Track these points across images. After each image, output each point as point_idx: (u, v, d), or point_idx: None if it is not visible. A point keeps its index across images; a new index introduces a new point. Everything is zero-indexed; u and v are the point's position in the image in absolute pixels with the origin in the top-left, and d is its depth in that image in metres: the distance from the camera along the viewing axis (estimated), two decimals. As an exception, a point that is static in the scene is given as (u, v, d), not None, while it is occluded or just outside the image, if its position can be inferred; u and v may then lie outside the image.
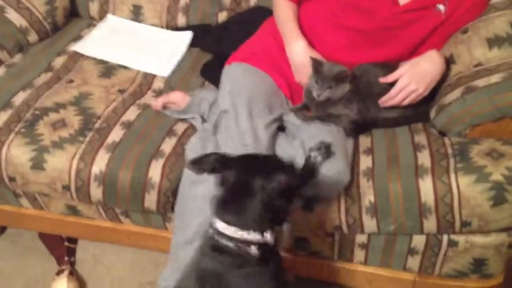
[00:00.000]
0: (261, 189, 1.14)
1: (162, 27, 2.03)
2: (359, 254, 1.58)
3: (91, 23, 2.06)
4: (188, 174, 1.46)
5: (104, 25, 2.02)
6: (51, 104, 1.67)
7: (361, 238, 1.53)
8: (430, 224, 1.42)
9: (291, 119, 1.56)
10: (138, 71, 1.85)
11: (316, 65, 1.51)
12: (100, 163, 1.53)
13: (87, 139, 1.57)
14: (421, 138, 1.52)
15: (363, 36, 1.60)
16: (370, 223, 1.45)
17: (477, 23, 1.56)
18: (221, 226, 1.17)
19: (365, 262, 1.60)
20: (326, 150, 1.41)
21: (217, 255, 1.17)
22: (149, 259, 1.86)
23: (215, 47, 1.91)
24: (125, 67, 1.86)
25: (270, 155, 1.25)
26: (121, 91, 1.75)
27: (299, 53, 1.59)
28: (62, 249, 1.88)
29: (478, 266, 1.51)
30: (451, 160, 1.42)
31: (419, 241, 1.50)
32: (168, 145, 1.56)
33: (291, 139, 1.53)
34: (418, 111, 1.57)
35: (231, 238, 1.15)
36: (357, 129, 1.56)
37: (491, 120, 1.45)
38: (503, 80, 1.44)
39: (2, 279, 1.85)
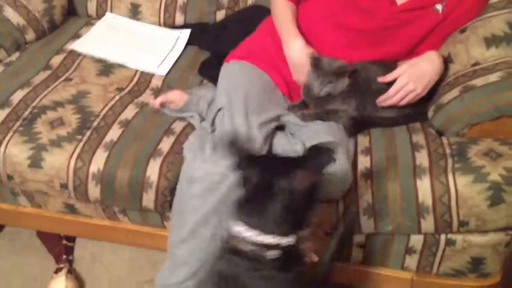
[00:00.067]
0: (283, 192, 1.11)
1: (160, 25, 2.03)
2: (357, 254, 1.58)
3: (89, 21, 2.05)
4: (186, 173, 1.46)
5: (102, 23, 2.02)
6: (49, 102, 1.67)
7: (359, 238, 1.53)
8: (428, 224, 1.42)
9: (291, 119, 1.56)
10: (136, 70, 1.84)
11: (315, 61, 1.51)
12: (98, 162, 1.53)
13: (85, 137, 1.57)
14: (419, 138, 1.52)
15: (362, 36, 1.60)
16: (368, 223, 1.45)
17: (474, 22, 1.56)
18: (240, 229, 1.14)
19: (363, 262, 1.60)
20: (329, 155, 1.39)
21: (236, 258, 1.14)
22: (147, 258, 1.86)
23: (213, 45, 1.91)
24: (123, 66, 1.85)
25: (292, 156, 1.22)
26: (119, 90, 1.75)
27: (297, 52, 1.59)
28: (60, 247, 1.88)
29: (476, 265, 1.51)
30: (449, 160, 1.42)
31: (417, 240, 1.50)
32: (166, 144, 1.56)
33: (290, 138, 1.53)
34: (416, 110, 1.57)
35: (251, 242, 1.12)
36: (356, 125, 1.56)
37: (489, 119, 1.45)
38: (501, 79, 1.44)
39: (0, 277, 1.85)
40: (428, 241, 1.49)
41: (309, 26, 1.64)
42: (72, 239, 1.90)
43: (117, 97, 1.71)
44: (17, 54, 1.89)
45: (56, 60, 1.86)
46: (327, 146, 1.36)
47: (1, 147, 1.56)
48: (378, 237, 1.52)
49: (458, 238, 1.47)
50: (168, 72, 1.85)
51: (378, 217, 1.44)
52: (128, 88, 1.77)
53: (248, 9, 1.98)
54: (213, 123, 1.55)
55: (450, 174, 1.39)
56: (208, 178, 1.41)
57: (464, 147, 1.44)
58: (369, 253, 1.57)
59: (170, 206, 1.54)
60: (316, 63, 1.51)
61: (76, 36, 1.97)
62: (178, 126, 1.63)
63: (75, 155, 1.53)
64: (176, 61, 1.89)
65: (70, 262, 1.85)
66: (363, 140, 1.55)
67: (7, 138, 1.57)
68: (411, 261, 1.55)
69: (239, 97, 1.52)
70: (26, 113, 1.63)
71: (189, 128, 1.63)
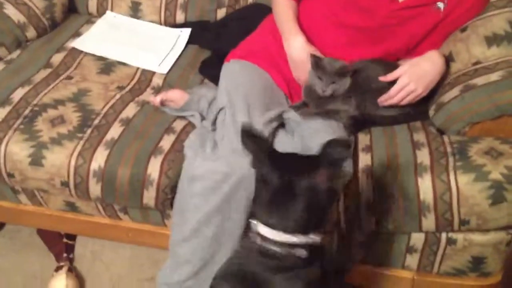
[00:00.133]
0: (304, 191, 1.10)
1: (160, 23, 2.03)
2: (357, 253, 1.58)
3: (90, 19, 2.05)
4: (187, 171, 1.46)
5: (103, 21, 2.02)
6: (49, 100, 1.67)
7: (359, 237, 1.53)
8: (429, 222, 1.42)
9: (292, 116, 1.55)
10: (137, 68, 1.84)
11: (316, 60, 1.51)
12: (99, 160, 1.53)
13: (86, 135, 1.57)
14: (420, 136, 1.52)
15: (362, 34, 1.60)
16: (369, 221, 1.45)
17: (475, 21, 1.56)
18: (264, 230, 1.14)
19: (364, 260, 1.60)
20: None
21: (262, 258, 1.14)
22: (148, 256, 1.86)
23: (213, 44, 1.91)
24: (124, 64, 1.85)
25: (313, 155, 1.20)
26: (120, 88, 1.75)
27: (298, 49, 1.59)
28: (60, 245, 1.88)
29: (477, 264, 1.51)
30: (450, 159, 1.42)
31: (418, 239, 1.50)
32: (167, 142, 1.56)
33: (291, 135, 1.53)
34: (417, 110, 1.57)
35: (275, 242, 1.13)
36: (356, 124, 1.56)
37: (490, 118, 1.45)
38: (502, 78, 1.44)
39: (0, 275, 1.85)
40: (429, 240, 1.49)
41: (309, 25, 1.64)
42: (72, 237, 1.90)
43: (118, 96, 1.71)
44: (17, 51, 1.89)
45: (57, 58, 1.86)
46: (342, 141, 1.35)
47: (2, 145, 1.56)
48: (379, 236, 1.52)
49: (459, 237, 1.47)
50: (169, 71, 1.84)
51: (379, 215, 1.43)
52: (129, 87, 1.77)
53: (249, 7, 1.98)
54: (214, 122, 1.55)
55: (451, 173, 1.39)
56: (210, 177, 1.40)
57: (465, 146, 1.44)
58: (369, 252, 1.57)
59: (171, 204, 1.54)
60: (317, 63, 1.51)
61: (77, 34, 1.97)
62: (178, 125, 1.63)
63: (76, 153, 1.53)
64: (177, 59, 1.89)
65: (71, 260, 1.85)
66: (364, 138, 1.55)
67: (7, 136, 1.57)
68: (412, 260, 1.55)
69: (240, 97, 1.52)
70: (27, 111, 1.63)
71: (190, 126, 1.63)
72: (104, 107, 1.66)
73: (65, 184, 1.55)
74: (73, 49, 1.90)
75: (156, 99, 1.67)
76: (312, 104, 1.56)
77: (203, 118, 1.63)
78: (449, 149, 1.45)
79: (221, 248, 1.47)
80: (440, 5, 1.55)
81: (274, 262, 1.13)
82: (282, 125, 1.57)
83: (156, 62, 1.86)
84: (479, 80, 1.47)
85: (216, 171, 1.40)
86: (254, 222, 1.16)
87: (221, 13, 2.00)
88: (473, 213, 1.39)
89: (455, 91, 1.49)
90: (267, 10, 1.79)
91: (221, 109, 1.53)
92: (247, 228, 1.19)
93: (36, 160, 1.54)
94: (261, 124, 1.47)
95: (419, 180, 1.40)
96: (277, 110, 1.54)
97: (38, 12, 1.93)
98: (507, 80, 1.44)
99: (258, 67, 1.64)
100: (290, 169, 1.13)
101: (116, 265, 1.86)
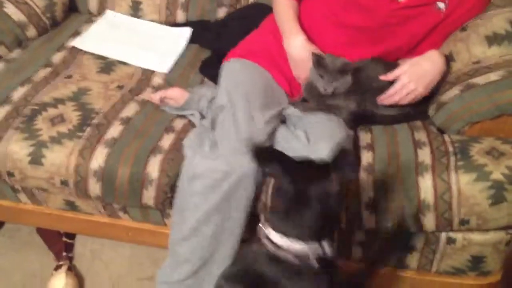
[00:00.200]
0: (318, 199, 1.12)
1: (161, 23, 2.03)
2: (357, 251, 1.58)
3: (90, 18, 2.06)
4: (187, 170, 1.45)
5: (103, 20, 2.02)
6: (49, 99, 1.67)
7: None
8: (429, 221, 1.42)
9: (292, 112, 1.55)
10: (137, 67, 1.84)
11: (318, 59, 1.51)
12: (98, 159, 1.52)
13: (86, 134, 1.57)
14: (421, 135, 1.52)
15: (362, 34, 1.60)
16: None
17: (476, 20, 1.56)
18: (276, 237, 1.15)
19: (363, 259, 1.60)
20: None
21: (274, 264, 1.16)
22: (147, 255, 1.86)
23: (214, 43, 1.91)
24: (124, 63, 1.85)
25: (324, 161, 1.23)
26: (120, 87, 1.75)
27: (298, 48, 1.59)
28: (60, 244, 1.88)
29: (476, 263, 1.51)
30: (452, 158, 1.42)
31: (417, 238, 1.50)
32: (166, 141, 1.56)
33: (292, 129, 1.52)
34: (417, 109, 1.57)
35: (287, 249, 1.14)
36: (355, 120, 1.56)
37: (490, 118, 1.45)
38: (503, 78, 1.44)
39: (0, 274, 1.85)
40: (428, 239, 1.49)
41: (310, 25, 1.64)
42: (72, 236, 1.91)
43: (118, 95, 1.71)
44: (18, 50, 1.89)
45: (57, 57, 1.86)
46: (349, 150, 1.38)
47: (2, 144, 1.56)
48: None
49: (459, 236, 1.47)
50: (169, 70, 1.84)
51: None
52: (129, 86, 1.77)
53: (249, 6, 1.98)
54: (212, 120, 1.55)
55: (452, 172, 1.39)
56: (210, 175, 1.40)
57: (467, 145, 1.44)
58: (369, 250, 1.57)
59: (171, 203, 1.53)
60: (319, 61, 1.51)
61: (77, 33, 1.97)
62: (178, 124, 1.63)
63: (75, 152, 1.53)
64: (177, 59, 1.89)
65: (70, 259, 1.86)
66: (365, 137, 1.55)
67: (7, 135, 1.57)
68: (412, 259, 1.55)
69: (240, 96, 1.52)
70: (27, 110, 1.63)
71: (190, 125, 1.63)
72: (104, 106, 1.66)
73: (64, 183, 1.55)
74: (73, 48, 1.90)
75: (156, 96, 1.67)
76: (313, 101, 1.57)
77: (203, 117, 1.63)
78: (450, 149, 1.45)
79: (221, 247, 1.47)
80: (441, 5, 1.55)
81: (284, 267, 1.15)
82: (282, 121, 1.57)
83: (156, 62, 1.86)
84: (479, 80, 1.47)
85: (216, 170, 1.40)
86: (266, 228, 1.18)
87: (221, 12, 2.00)
88: (473, 213, 1.39)
89: (455, 91, 1.49)
90: (267, 9, 1.79)
91: (219, 108, 1.53)
92: (258, 232, 1.20)
93: (36, 159, 1.54)
94: (261, 123, 1.47)
95: (420, 179, 1.40)
96: (277, 109, 1.54)
97: (39, 11, 1.93)
98: (507, 80, 1.44)
99: (258, 65, 1.64)
100: (303, 177, 1.14)
101: (115, 264, 1.86)
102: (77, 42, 1.92)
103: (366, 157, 1.48)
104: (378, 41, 1.60)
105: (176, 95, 1.66)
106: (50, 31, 1.98)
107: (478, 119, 1.46)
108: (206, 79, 1.82)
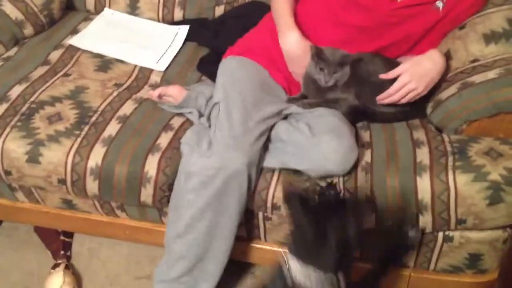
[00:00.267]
0: (336, 238, 1.17)
1: (158, 21, 2.03)
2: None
3: (88, 16, 2.05)
4: (183, 168, 1.46)
5: (101, 18, 2.02)
6: (47, 97, 1.66)
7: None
8: (426, 221, 1.42)
9: (293, 110, 1.56)
10: (135, 65, 1.84)
11: (318, 52, 1.51)
12: (96, 157, 1.52)
13: (83, 133, 1.56)
14: (420, 134, 1.52)
15: (361, 32, 1.60)
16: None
17: (474, 18, 1.56)
18: (296, 266, 1.21)
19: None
20: (333, 190, 1.42)
21: None
22: (145, 253, 1.86)
23: (212, 41, 1.91)
24: (121, 61, 1.85)
25: (343, 199, 1.32)
26: (118, 85, 1.75)
27: (293, 44, 1.59)
28: (58, 243, 1.88)
29: (474, 261, 1.51)
30: (450, 158, 1.41)
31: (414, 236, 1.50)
32: (164, 139, 1.56)
33: (295, 123, 1.52)
34: (414, 108, 1.57)
35: (305, 277, 1.20)
36: (354, 113, 1.56)
37: (487, 116, 1.45)
38: (500, 76, 1.44)
39: (-3, 272, 1.85)
40: (425, 237, 1.49)
41: (307, 24, 1.64)
42: (70, 234, 1.90)
43: (115, 93, 1.71)
44: (15, 49, 1.88)
45: (55, 55, 1.86)
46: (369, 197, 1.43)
47: (-1, 142, 1.56)
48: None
49: (456, 234, 1.47)
50: (167, 68, 1.84)
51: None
52: (127, 84, 1.76)
53: (247, 4, 1.98)
54: (209, 117, 1.55)
55: (450, 172, 1.39)
56: (204, 172, 1.41)
57: (465, 146, 1.44)
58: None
59: (169, 201, 1.53)
60: (319, 54, 1.51)
61: (75, 31, 1.97)
62: (176, 122, 1.63)
63: (73, 150, 1.53)
64: (175, 57, 1.89)
65: (68, 258, 1.85)
66: (363, 135, 1.55)
67: (4, 133, 1.57)
68: (409, 257, 1.55)
69: (236, 93, 1.52)
70: (24, 108, 1.63)
71: (188, 123, 1.63)
72: (101, 104, 1.65)
73: (62, 181, 1.55)
74: (71, 46, 1.90)
75: (154, 93, 1.66)
76: (311, 95, 1.57)
77: (201, 115, 1.63)
78: (449, 148, 1.45)
79: (215, 243, 1.48)
80: (439, 4, 1.55)
81: None
82: (283, 118, 1.57)
83: (154, 60, 1.86)
84: (476, 78, 1.47)
85: (210, 167, 1.40)
86: (288, 256, 1.23)
87: (219, 10, 2.00)
88: (470, 213, 1.39)
89: (452, 89, 1.49)
90: (265, 8, 1.79)
91: (215, 104, 1.53)
92: (279, 258, 1.26)
93: (33, 158, 1.54)
94: (255, 121, 1.47)
95: (418, 178, 1.40)
96: (275, 107, 1.54)
97: (36, 9, 1.93)
98: (504, 78, 1.44)
99: (256, 63, 1.64)
100: (324, 218, 1.20)
101: (113, 263, 1.86)
102: (74, 40, 1.91)
103: (365, 156, 1.48)
104: (376, 39, 1.60)
105: (175, 92, 1.66)
106: (48, 29, 1.97)
107: (476, 117, 1.46)
108: (204, 77, 1.81)
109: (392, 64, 1.57)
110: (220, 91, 1.55)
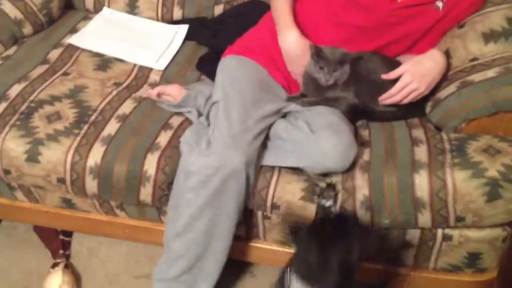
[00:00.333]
0: (339, 261, 1.19)
1: (157, 20, 2.03)
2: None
3: (87, 15, 2.05)
4: (183, 167, 1.46)
5: (100, 18, 2.01)
6: (46, 97, 1.66)
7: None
8: (425, 218, 1.42)
9: (293, 108, 1.55)
10: (134, 65, 1.84)
11: (317, 51, 1.51)
12: (95, 156, 1.52)
13: (82, 132, 1.56)
14: (418, 133, 1.52)
15: (361, 32, 1.60)
16: (364, 217, 1.45)
17: (473, 17, 1.56)
18: (298, 286, 1.23)
19: (359, 257, 1.60)
20: (333, 191, 1.44)
21: None
22: (144, 253, 1.86)
23: (211, 40, 1.91)
24: (121, 60, 1.85)
25: (345, 217, 1.35)
26: (117, 84, 1.75)
27: (292, 43, 1.58)
28: (57, 242, 1.88)
29: (473, 260, 1.51)
30: (448, 155, 1.42)
31: (413, 235, 1.50)
32: (163, 138, 1.56)
33: (294, 121, 1.52)
34: (415, 106, 1.57)
35: None
36: (353, 112, 1.56)
37: (486, 115, 1.45)
38: (499, 74, 1.44)
39: (-4, 272, 1.85)
40: (425, 235, 1.49)
41: (307, 23, 1.64)
42: (69, 234, 1.90)
43: (114, 92, 1.71)
44: (14, 48, 1.88)
45: (54, 54, 1.86)
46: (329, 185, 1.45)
47: (-2, 141, 1.56)
48: (375, 231, 1.52)
49: (455, 233, 1.47)
50: (166, 67, 1.84)
51: (375, 210, 1.43)
52: (126, 83, 1.76)
53: (247, 4, 1.97)
54: (208, 116, 1.55)
55: (448, 169, 1.39)
56: (203, 172, 1.41)
57: (464, 143, 1.44)
58: (365, 247, 1.56)
59: (168, 200, 1.53)
60: (319, 53, 1.51)
61: (74, 30, 1.97)
62: (175, 121, 1.63)
63: (72, 150, 1.53)
64: (174, 56, 1.89)
65: (67, 257, 1.85)
66: (362, 134, 1.55)
67: (4, 132, 1.57)
68: (408, 255, 1.55)
69: (235, 92, 1.52)
70: (23, 107, 1.63)
71: (187, 123, 1.63)
72: (100, 103, 1.65)
73: (61, 180, 1.55)
74: (70, 45, 1.90)
75: (153, 92, 1.66)
76: (311, 94, 1.57)
77: (200, 114, 1.63)
78: (447, 146, 1.45)
79: (214, 242, 1.48)
80: (439, 4, 1.55)
81: None
82: (282, 116, 1.57)
83: (153, 59, 1.86)
84: (476, 77, 1.47)
85: (209, 166, 1.40)
86: (291, 275, 1.26)
87: (218, 9, 2.00)
88: (469, 210, 1.39)
89: (452, 88, 1.49)
90: (264, 7, 1.79)
91: (214, 103, 1.53)
92: (283, 277, 1.30)
93: (32, 157, 1.54)
94: (254, 119, 1.47)
95: (416, 176, 1.40)
96: (274, 105, 1.54)
97: (35, 8, 1.92)
98: (504, 77, 1.44)
99: (255, 62, 1.64)
100: (328, 242, 1.22)
101: (112, 262, 1.86)
102: (73, 39, 1.91)
103: (364, 154, 1.48)
104: (375, 39, 1.60)
105: (174, 91, 1.66)
106: (47, 28, 1.97)
107: (475, 116, 1.46)
108: (203, 76, 1.81)
109: (392, 62, 1.57)
110: (219, 90, 1.55)
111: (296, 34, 1.58)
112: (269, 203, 1.48)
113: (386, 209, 1.43)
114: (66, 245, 1.88)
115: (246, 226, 1.59)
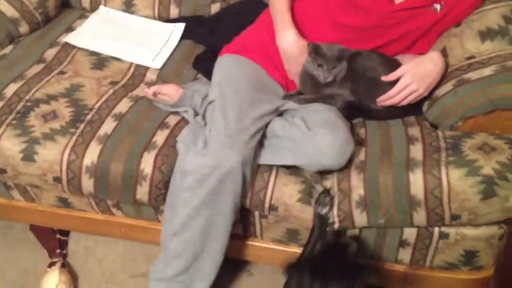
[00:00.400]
0: None
1: (154, 18, 2.02)
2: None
3: (83, 14, 2.05)
4: (180, 165, 1.45)
5: (96, 16, 2.01)
6: (42, 95, 1.66)
7: (352, 231, 1.53)
8: (420, 217, 1.42)
9: (289, 106, 1.55)
10: (131, 63, 1.84)
11: (315, 48, 1.51)
12: (91, 155, 1.52)
13: (79, 131, 1.56)
14: (414, 131, 1.51)
15: (358, 33, 1.60)
16: (360, 217, 1.45)
17: (471, 16, 1.56)
18: None
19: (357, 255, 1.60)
20: (328, 196, 1.43)
21: None
22: (141, 252, 1.86)
23: (208, 39, 1.91)
24: (117, 59, 1.85)
25: (343, 258, 1.35)
26: (113, 83, 1.74)
27: (290, 43, 1.58)
28: (53, 241, 1.87)
29: (469, 258, 1.51)
30: (443, 154, 1.41)
31: (410, 233, 1.50)
32: (160, 137, 1.56)
33: (290, 119, 1.52)
34: (412, 106, 1.56)
35: None
36: (349, 109, 1.56)
37: (483, 113, 1.45)
38: (496, 72, 1.44)
39: (-7, 271, 1.85)
40: (421, 234, 1.49)
41: (304, 23, 1.64)
42: (65, 233, 1.90)
43: (111, 91, 1.70)
44: (10, 47, 1.88)
45: (50, 53, 1.85)
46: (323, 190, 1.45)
47: (-6, 140, 1.55)
48: (371, 230, 1.52)
49: (451, 231, 1.47)
50: (163, 66, 1.84)
51: (371, 210, 1.43)
52: (122, 82, 1.76)
53: (244, 2, 1.97)
54: (204, 116, 1.55)
55: (443, 167, 1.39)
56: (199, 171, 1.41)
57: (459, 141, 1.44)
58: (362, 246, 1.57)
59: (164, 199, 1.53)
60: (317, 50, 1.51)
61: (70, 29, 1.96)
62: (172, 120, 1.63)
63: (68, 149, 1.53)
64: (171, 54, 1.88)
65: (64, 256, 1.85)
66: (359, 132, 1.55)
67: (0, 131, 1.56)
68: (405, 254, 1.55)
69: (232, 91, 1.52)
70: (19, 106, 1.63)
71: (183, 122, 1.63)
72: (97, 102, 1.65)
73: (57, 179, 1.55)
74: (66, 44, 1.89)
75: (150, 90, 1.66)
76: (308, 92, 1.57)
77: (196, 113, 1.62)
78: (442, 144, 1.45)
79: (211, 242, 1.48)
80: (437, 6, 1.55)
81: None
82: (279, 115, 1.57)
83: (149, 57, 1.86)
84: (472, 75, 1.47)
85: (205, 166, 1.40)
86: None
87: (215, 7, 1.99)
88: (464, 208, 1.39)
89: (448, 86, 1.49)
90: (262, 5, 1.79)
91: (210, 102, 1.53)
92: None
93: (28, 156, 1.53)
94: (251, 119, 1.47)
95: (411, 175, 1.40)
96: (271, 105, 1.54)
97: (31, 7, 1.92)
98: (500, 75, 1.44)
99: (252, 61, 1.63)
100: (328, 279, 1.25)
101: (109, 261, 1.86)
102: (70, 38, 1.91)
103: (359, 154, 1.48)
104: (373, 39, 1.60)
105: (170, 91, 1.66)
106: (43, 27, 1.97)
107: (472, 114, 1.46)
108: (199, 75, 1.81)
109: (390, 61, 1.57)
110: (215, 89, 1.54)
111: (294, 33, 1.58)
112: (267, 204, 1.48)
113: (382, 208, 1.43)
114: (63, 244, 1.88)
115: (243, 225, 1.59)
